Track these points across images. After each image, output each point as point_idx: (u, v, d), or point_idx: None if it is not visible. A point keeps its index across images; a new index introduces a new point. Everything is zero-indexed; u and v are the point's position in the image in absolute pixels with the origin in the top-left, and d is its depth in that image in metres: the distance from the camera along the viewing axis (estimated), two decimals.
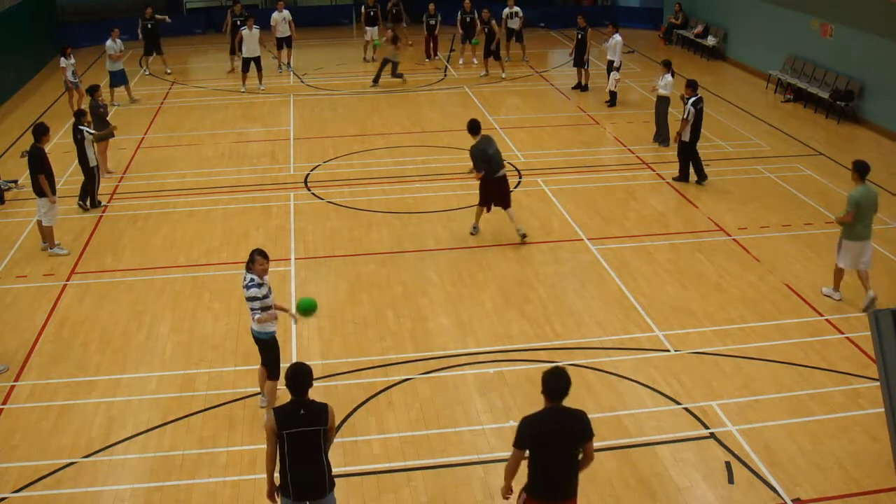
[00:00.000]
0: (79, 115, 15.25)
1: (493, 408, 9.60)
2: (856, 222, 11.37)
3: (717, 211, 14.86)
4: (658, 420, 9.38)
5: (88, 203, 15.31)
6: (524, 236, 13.66)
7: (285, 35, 24.99)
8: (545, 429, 6.55)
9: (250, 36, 22.42)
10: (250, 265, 8.95)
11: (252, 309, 8.92)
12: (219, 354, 10.77)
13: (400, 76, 23.25)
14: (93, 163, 15.08)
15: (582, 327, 11.29)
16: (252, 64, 22.78)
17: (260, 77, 23.04)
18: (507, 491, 6.87)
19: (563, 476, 6.63)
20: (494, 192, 13.63)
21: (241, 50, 22.78)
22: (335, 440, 8.49)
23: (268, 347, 9.21)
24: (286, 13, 24.90)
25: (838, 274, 11.84)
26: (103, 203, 15.52)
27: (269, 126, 19.98)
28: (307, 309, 8.82)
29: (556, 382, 6.51)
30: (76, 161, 17.64)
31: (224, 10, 29.06)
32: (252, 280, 8.90)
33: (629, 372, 10.26)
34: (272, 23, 24.92)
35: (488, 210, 13.82)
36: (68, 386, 10.17)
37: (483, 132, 13.74)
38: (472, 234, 13.99)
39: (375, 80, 23.12)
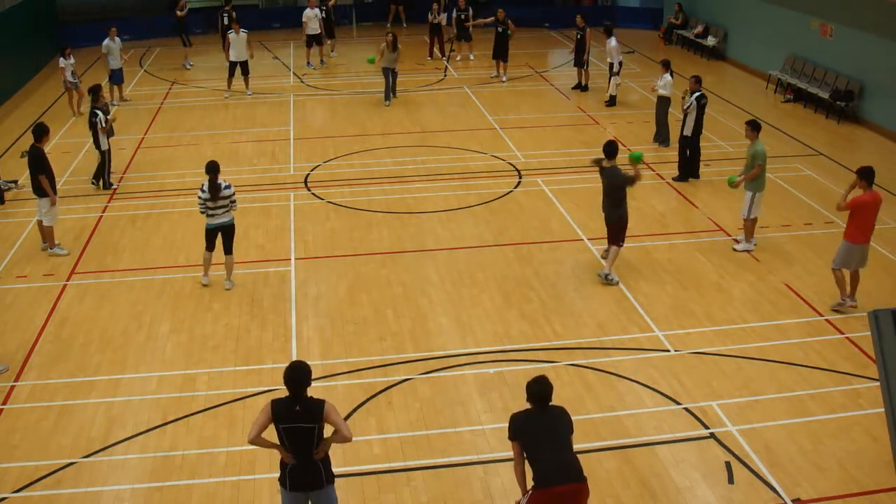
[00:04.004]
0: (94, 97, 15.87)
1: (493, 408, 9.60)
2: (762, 174, 13.02)
3: (717, 211, 14.86)
4: (658, 420, 9.38)
5: (101, 184, 16.07)
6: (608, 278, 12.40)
7: (316, 32, 25.02)
8: (533, 420, 6.91)
9: (237, 39, 21.80)
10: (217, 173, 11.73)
11: (233, 202, 11.93)
12: (219, 354, 10.77)
13: (391, 94, 21.50)
14: (104, 146, 15.81)
15: (582, 327, 11.29)
16: (238, 68, 22.06)
17: (247, 82, 22.34)
18: (524, 492, 7.02)
19: (561, 461, 6.80)
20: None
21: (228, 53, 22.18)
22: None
23: (234, 230, 12.23)
24: (317, 10, 24.93)
25: (752, 225, 13.25)
26: (114, 185, 16.24)
27: (269, 126, 19.97)
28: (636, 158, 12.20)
29: (538, 388, 6.94)
30: (76, 160, 17.72)
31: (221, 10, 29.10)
32: (227, 182, 11.87)
33: (629, 372, 10.25)
34: (304, 19, 24.89)
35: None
36: (68, 386, 10.16)
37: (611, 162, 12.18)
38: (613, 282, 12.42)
39: (390, 96, 21.47)
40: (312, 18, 24.86)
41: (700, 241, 13.72)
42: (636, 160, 12.28)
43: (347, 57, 26.80)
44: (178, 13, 25.60)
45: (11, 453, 9.00)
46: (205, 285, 12.46)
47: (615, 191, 12.12)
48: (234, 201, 11.93)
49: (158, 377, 10.33)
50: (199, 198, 11.76)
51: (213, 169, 11.72)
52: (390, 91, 21.52)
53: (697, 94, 15.80)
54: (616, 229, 12.32)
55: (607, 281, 12.32)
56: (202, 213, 11.90)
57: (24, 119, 20.43)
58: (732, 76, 24.50)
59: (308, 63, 25.43)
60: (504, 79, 23.65)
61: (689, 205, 15.16)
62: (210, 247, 12.25)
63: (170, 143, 18.91)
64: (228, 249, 12.21)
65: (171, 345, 11.01)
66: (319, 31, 25.09)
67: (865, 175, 11.18)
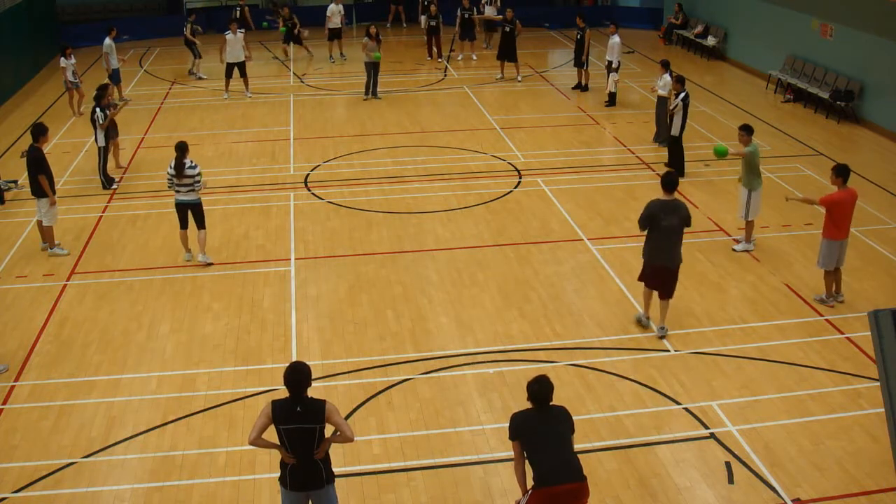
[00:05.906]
0: (99, 96, 15.87)
1: (493, 408, 9.60)
2: (754, 175, 13.02)
3: (717, 211, 14.87)
4: (658, 420, 9.38)
5: (101, 182, 16.19)
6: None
7: (337, 27, 25.53)
8: (533, 420, 6.92)
9: (234, 40, 21.69)
10: (184, 153, 12.53)
11: (198, 182, 12.57)
12: (219, 354, 10.77)
13: (371, 92, 21.86)
14: (101, 143, 15.89)
15: (582, 327, 11.29)
16: (235, 69, 21.95)
17: (246, 83, 22.22)
18: (524, 492, 7.02)
19: (562, 460, 6.81)
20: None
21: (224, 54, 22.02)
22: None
23: (202, 209, 12.88)
24: (340, 6, 25.48)
25: (751, 226, 13.31)
26: (115, 182, 16.37)
27: (269, 126, 19.98)
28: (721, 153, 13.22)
29: (538, 387, 6.94)
30: (76, 160, 17.75)
31: (225, 10, 29.07)
32: (194, 163, 12.65)
33: (629, 372, 10.26)
34: (328, 14, 25.42)
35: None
36: (68, 386, 10.16)
37: (667, 197, 10.44)
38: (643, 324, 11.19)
39: (369, 93, 21.83)
40: (336, 14, 25.46)
41: (700, 241, 13.71)
42: (722, 154, 13.36)
43: (348, 57, 26.77)
44: (188, 35, 24.10)
45: (11, 453, 9.00)
46: (187, 261, 13.09)
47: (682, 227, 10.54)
48: (198, 181, 12.64)
49: (158, 377, 10.33)
50: (167, 174, 12.67)
51: (179, 148, 12.56)
52: (369, 88, 21.84)
53: (682, 94, 16.04)
54: (676, 274, 10.75)
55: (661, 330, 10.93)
56: (169, 188, 12.89)
57: (24, 119, 20.43)
58: (732, 76, 24.49)
59: (330, 58, 26.03)
60: (519, 78, 23.62)
61: (690, 205, 15.15)
62: (183, 224, 12.96)
63: (170, 143, 18.76)
64: (200, 224, 12.92)
65: (171, 345, 11.01)
66: (340, 26, 25.67)
67: (841, 172, 11.35)
